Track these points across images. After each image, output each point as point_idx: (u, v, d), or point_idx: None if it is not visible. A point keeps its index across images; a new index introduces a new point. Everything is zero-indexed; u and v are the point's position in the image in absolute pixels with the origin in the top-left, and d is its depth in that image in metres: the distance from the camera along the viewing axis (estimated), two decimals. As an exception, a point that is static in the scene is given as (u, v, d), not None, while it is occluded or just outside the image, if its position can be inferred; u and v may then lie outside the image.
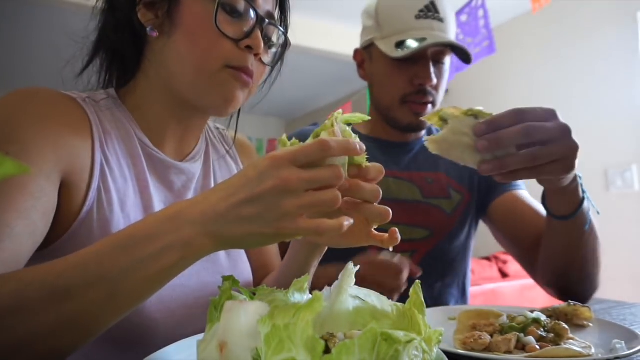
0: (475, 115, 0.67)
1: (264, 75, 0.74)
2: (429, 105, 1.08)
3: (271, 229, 0.43)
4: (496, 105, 1.17)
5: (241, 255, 0.79)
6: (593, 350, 0.55)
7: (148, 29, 0.66)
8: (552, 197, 0.83)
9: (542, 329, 0.61)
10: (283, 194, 0.42)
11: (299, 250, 0.67)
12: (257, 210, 0.42)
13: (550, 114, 0.68)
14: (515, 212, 1.06)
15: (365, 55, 1.15)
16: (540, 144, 0.66)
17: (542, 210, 1.03)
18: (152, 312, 0.62)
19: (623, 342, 0.57)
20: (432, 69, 1.05)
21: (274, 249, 0.89)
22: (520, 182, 1.13)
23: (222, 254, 0.76)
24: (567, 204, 0.81)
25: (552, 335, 0.60)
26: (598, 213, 0.84)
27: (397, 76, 1.07)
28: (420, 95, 1.06)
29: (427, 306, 0.47)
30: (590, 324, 0.68)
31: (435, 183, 1.12)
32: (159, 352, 0.47)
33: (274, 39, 0.73)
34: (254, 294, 0.46)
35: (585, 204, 0.82)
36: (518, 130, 0.64)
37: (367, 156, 0.50)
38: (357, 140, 0.48)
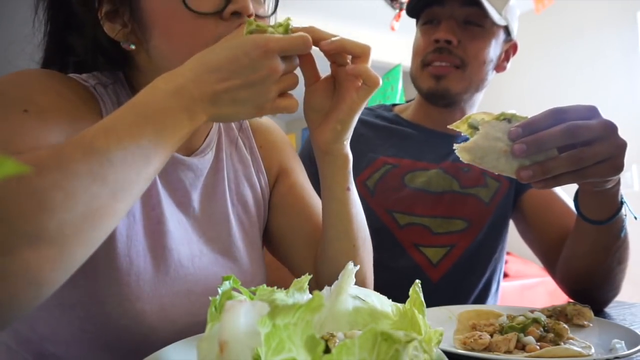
0: (509, 119, 0.63)
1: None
2: (452, 69, 1.00)
3: (256, 109, 0.51)
4: (495, 105, 1.16)
5: (254, 258, 0.75)
6: (593, 350, 0.55)
7: (122, 43, 0.60)
8: (589, 199, 0.77)
9: (542, 329, 0.61)
10: (270, 81, 0.50)
11: (324, 167, 0.66)
12: (249, 95, 0.49)
13: (592, 111, 0.64)
14: (546, 205, 1.03)
15: None
16: (584, 144, 0.61)
17: (573, 207, 1.00)
18: (152, 321, 0.59)
19: (623, 342, 0.57)
20: (455, 27, 0.99)
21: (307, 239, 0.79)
22: None
23: (233, 257, 0.71)
24: (605, 208, 0.75)
25: (552, 335, 0.60)
26: (635, 218, 0.79)
27: (422, 39, 1.04)
28: (436, 54, 1.00)
29: (427, 306, 0.47)
30: (590, 324, 0.68)
31: (470, 172, 1.08)
32: (159, 352, 0.47)
33: None
34: (254, 294, 0.46)
35: (623, 209, 0.76)
36: (560, 130, 0.60)
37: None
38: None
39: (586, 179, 0.65)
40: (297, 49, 0.51)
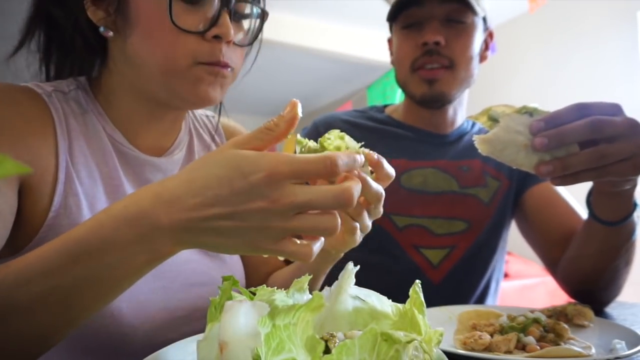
0: (530, 112, 0.62)
1: (245, 55, 0.67)
2: (443, 71, 0.98)
3: (249, 246, 0.39)
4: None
5: (231, 255, 0.75)
6: (593, 350, 0.55)
7: (101, 29, 0.60)
8: (604, 199, 0.75)
9: (542, 329, 0.61)
10: (271, 215, 0.37)
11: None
12: (237, 225, 0.37)
13: (616, 108, 0.63)
14: (548, 204, 1.02)
15: (391, 39, 1.11)
16: (606, 141, 0.60)
17: (576, 207, 0.98)
18: (130, 319, 0.58)
19: (623, 342, 0.57)
20: (439, 27, 0.97)
21: None
22: None
23: (209, 254, 0.71)
24: (619, 209, 0.74)
25: (553, 335, 0.60)
26: None
27: (406, 44, 1.01)
28: (426, 57, 0.97)
29: (428, 306, 0.47)
30: (591, 324, 0.68)
31: (470, 171, 1.06)
32: (159, 352, 0.47)
33: (247, 10, 0.64)
34: (254, 294, 0.46)
35: (637, 210, 0.75)
36: (584, 124, 0.59)
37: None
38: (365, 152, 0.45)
39: (606, 177, 0.63)
40: (314, 173, 0.37)
